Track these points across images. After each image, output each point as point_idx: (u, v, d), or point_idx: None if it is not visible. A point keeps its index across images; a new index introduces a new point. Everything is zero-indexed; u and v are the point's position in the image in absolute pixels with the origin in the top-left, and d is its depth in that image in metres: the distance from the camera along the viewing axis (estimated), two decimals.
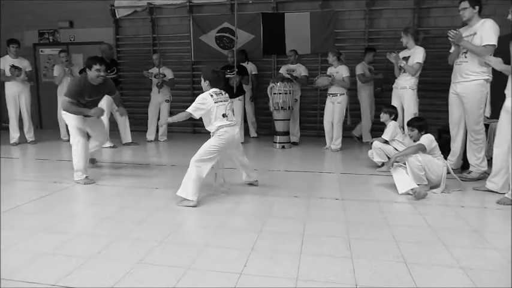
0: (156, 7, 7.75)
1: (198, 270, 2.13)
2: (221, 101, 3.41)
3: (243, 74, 6.45)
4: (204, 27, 7.55)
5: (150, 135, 6.92)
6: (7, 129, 6.62)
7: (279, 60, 7.40)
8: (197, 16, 7.57)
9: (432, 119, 5.26)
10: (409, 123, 3.97)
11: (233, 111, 3.69)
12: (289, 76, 6.27)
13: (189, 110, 3.36)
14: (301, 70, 6.48)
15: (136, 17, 7.93)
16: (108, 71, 6.18)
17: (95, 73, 3.88)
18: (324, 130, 6.18)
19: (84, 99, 3.97)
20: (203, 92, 3.46)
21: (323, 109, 6.18)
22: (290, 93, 6.07)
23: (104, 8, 7.88)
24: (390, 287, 1.96)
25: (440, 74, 6.00)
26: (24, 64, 6.46)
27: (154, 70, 6.73)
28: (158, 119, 6.85)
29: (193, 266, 2.17)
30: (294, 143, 6.52)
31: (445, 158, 4.12)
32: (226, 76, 6.44)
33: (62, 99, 3.93)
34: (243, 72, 6.46)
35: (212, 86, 3.46)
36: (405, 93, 4.95)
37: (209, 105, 3.34)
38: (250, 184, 3.93)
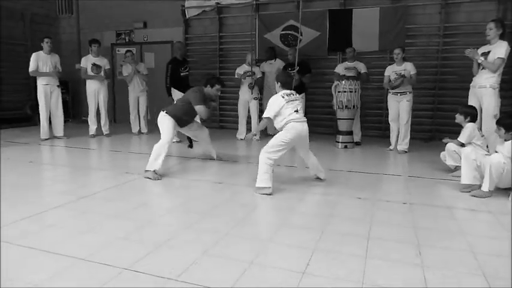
0: (223, 6, 7.95)
1: (261, 265, 2.14)
2: (292, 100, 3.66)
3: (305, 72, 6.39)
4: (269, 25, 7.59)
5: (241, 134, 6.90)
6: (86, 122, 7.21)
7: (344, 58, 7.20)
8: (263, 14, 7.63)
9: None
10: (498, 121, 3.72)
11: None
12: (352, 72, 6.08)
13: (266, 115, 3.66)
14: (360, 67, 6.25)
15: (204, 17, 8.20)
16: (182, 68, 6.51)
17: (215, 92, 4.48)
18: (389, 130, 5.92)
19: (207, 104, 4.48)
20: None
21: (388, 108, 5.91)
22: (355, 91, 5.89)
23: (175, 8, 8.24)
24: None
25: None
26: (104, 62, 6.98)
27: (243, 68, 6.79)
28: (248, 117, 6.95)
29: (257, 261, 2.18)
30: (357, 143, 6.32)
31: None
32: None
33: (197, 108, 4.34)
34: (305, 69, 6.40)
35: (283, 87, 3.77)
36: (484, 92, 4.54)
37: (280, 104, 3.59)
38: (318, 178, 4.03)
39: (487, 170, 3.46)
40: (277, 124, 3.66)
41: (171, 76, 6.42)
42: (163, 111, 4.35)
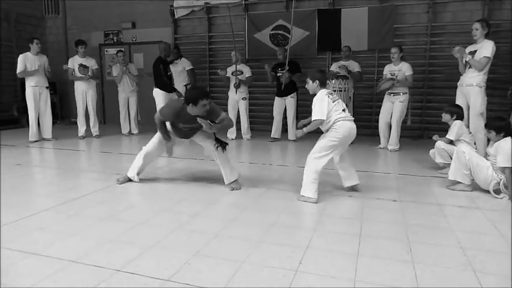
0: (212, 6, 7.93)
1: (253, 264, 2.14)
2: (336, 100, 3.37)
3: (295, 71, 6.41)
4: (259, 25, 7.60)
5: (231, 134, 6.85)
6: (75, 123, 7.13)
7: (333, 57, 7.25)
8: (252, 14, 7.64)
9: None
10: (487, 124, 3.68)
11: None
12: (343, 71, 6.10)
13: (318, 116, 3.28)
14: (354, 66, 6.29)
15: (193, 17, 8.18)
16: (168, 68, 6.48)
17: (201, 109, 3.43)
18: (377, 129, 5.97)
19: (180, 124, 3.69)
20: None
21: (378, 107, 5.96)
22: (345, 90, 5.94)
23: (164, 8, 8.21)
24: None
25: None
26: (91, 63, 6.91)
27: (231, 68, 6.72)
28: (238, 117, 6.87)
29: (248, 260, 2.18)
30: None
31: None
32: (278, 74, 6.47)
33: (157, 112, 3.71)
34: (295, 69, 6.42)
35: (321, 85, 3.42)
36: (471, 90, 4.62)
37: (329, 104, 3.29)
38: (352, 189, 3.64)
39: (454, 157, 3.64)
40: (325, 125, 3.34)
41: (160, 76, 6.38)
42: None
